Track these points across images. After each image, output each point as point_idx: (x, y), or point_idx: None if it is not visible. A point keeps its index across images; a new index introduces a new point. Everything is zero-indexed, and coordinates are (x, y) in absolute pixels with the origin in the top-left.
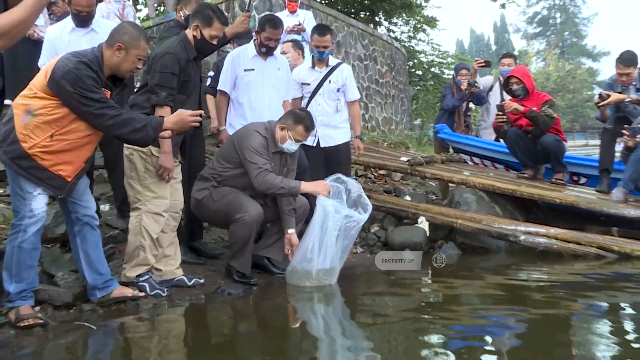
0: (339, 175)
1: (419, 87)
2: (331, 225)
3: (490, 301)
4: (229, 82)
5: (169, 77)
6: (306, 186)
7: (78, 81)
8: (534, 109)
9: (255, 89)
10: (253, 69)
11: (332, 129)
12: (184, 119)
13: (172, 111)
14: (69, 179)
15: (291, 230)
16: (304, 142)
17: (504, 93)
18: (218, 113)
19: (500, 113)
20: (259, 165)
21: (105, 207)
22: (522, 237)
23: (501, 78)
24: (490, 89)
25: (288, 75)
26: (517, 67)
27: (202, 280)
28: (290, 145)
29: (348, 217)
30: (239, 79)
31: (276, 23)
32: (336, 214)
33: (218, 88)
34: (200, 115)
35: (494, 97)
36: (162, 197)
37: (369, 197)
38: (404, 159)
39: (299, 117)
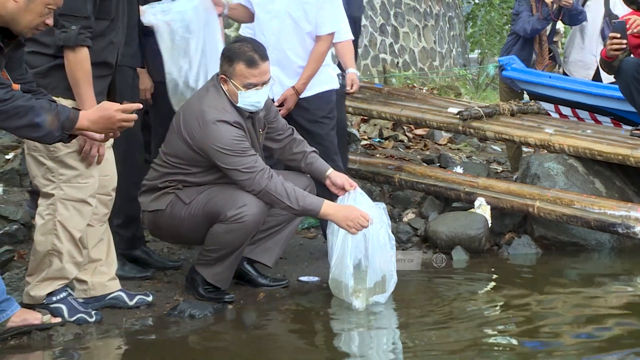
0: (382, 204)
1: (477, 1)
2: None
3: (589, 328)
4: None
5: (80, 0)
6: (331, 210)
7: None
8: None
9: (261, 19)
10: None
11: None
12: (110, 116)
13: (95, 51)
14: None
15: (330, 171)
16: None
17: (614, 3)
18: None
19: (618, 35)
20: (244, 167)
21: None
22: (639, 228)
23: None
24: None
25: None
26: None
27: (150, 298)
28: (247, 99)
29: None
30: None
31: None
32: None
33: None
34: (144, 111)
35: (595, 9)
36: (87, 176)
37: (399, 168)
38: (454, 110)
39: (232, 51)
